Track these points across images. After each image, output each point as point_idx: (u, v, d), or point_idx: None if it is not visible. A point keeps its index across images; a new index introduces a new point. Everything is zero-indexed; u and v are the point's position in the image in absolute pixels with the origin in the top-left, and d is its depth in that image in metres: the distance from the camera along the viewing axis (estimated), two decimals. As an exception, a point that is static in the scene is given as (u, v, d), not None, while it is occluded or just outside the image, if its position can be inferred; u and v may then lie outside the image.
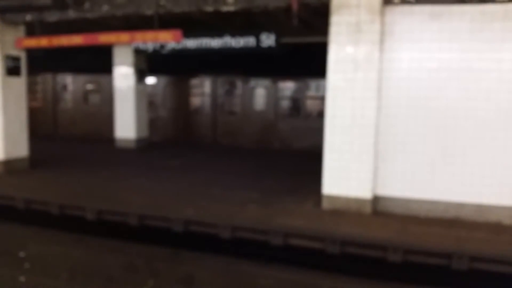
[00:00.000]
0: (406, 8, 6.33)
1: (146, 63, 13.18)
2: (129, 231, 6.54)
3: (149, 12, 7.51)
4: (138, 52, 12.21)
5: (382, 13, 6.33)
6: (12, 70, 9.05)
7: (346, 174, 6.63)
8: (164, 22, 7.74)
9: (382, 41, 6.39)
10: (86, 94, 15.81)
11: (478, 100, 6.11)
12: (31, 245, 6.54)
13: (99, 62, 13.66)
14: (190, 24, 8.61)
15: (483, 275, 5.06)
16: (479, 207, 6.21)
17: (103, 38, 8.11)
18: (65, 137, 15.30)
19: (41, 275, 5.41)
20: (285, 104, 13.75)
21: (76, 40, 8.20)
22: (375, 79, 6.40)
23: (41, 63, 14.14)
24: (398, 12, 6.36)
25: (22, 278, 5.27)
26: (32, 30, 8.76)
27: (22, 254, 6.07)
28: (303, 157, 11.67)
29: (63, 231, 6.91)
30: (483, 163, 6.17)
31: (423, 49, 6.29)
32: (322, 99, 10.94)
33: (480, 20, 6.01)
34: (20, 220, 7.25)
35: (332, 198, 6.73)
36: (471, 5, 6.04)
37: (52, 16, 8.19)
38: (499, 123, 6.06)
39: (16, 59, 9.10)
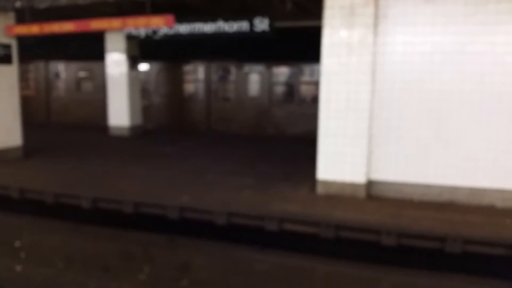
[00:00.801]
0: (400, -9, 6.27)
1: (139, 49, 13.04)
2: (124, 218, 6.55)
3: (140, -3, 7.42)
4: (130, 38, 12.06)
5: (376, -4, 6.28)
6: (3, 58, 8.94)
7: (341, 158, 6.65)
8: (156, 7, 7.65)
9: (376, 24, 6.34)
10: (78, 82, 15.67)
11: (472, 83, 6.10)
12: (27, 234, 6.55)
13: (91, 49, 13.52)
14: (182, 9, 8.52)
15: (477, 258, 5.11)
16: (473, 191, 6.25)
17: (95, 24, 8.02)
18: (58, 125, 15.20)
19: (37, 264, 5.42)
20: (280, 89, 13.68)
21: (67, 27, 8.11)
22: (369, 62, 6.37)
23: (32, 50, 14.02)
24: (392, -5, 6.31)
25: (18, 268, 5.27)
26: (22, 17, 8.64)
27: (17, 243, 6.06)
28: (297, 142, 11.67)
29: (59, 220, 6.90)
30: (477, 146, 6.18)
31: (417, 32, 6.25)
32: (316, 84, 10.91)
33: (474, 3, 5.96)
34: (15, 209, 7.23)
35: (327, 183, 6.75)
36: (465, -12, 6.00)
37: (43, 3, 8.05)
38: (493, 106, 6.05)
39: (7, 47, 8.98)
